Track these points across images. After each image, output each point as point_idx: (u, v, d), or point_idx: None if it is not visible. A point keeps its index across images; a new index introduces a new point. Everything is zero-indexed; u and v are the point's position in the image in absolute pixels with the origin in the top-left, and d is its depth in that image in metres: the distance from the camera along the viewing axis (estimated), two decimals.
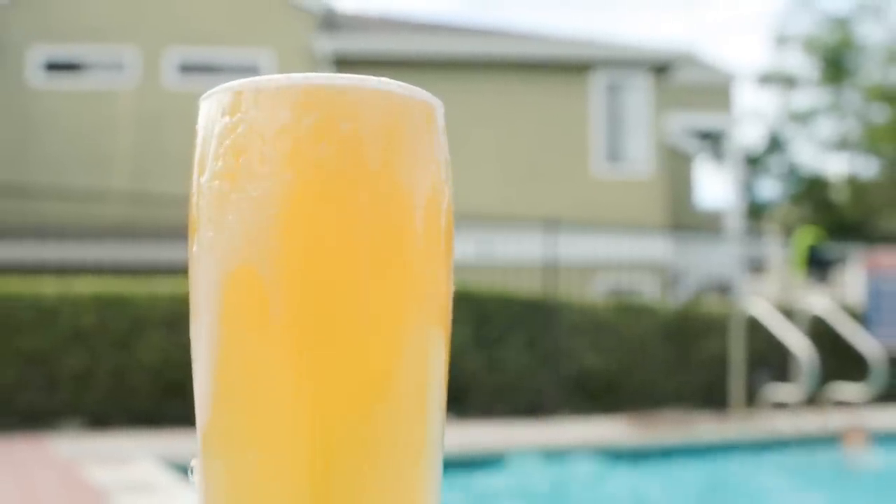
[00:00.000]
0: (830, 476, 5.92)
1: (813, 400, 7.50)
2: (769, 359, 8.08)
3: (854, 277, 9.99)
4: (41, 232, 9.83)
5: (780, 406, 7.46)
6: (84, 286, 6.58)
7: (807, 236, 11.10)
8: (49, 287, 6.51)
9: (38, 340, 6.32)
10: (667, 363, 8.29)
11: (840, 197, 23.22)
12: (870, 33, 22.97)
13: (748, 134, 25.98)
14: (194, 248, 0.52)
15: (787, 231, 15.37)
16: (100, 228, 10.28)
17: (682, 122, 15.83)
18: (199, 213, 0.51)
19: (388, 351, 0.50)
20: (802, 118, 23.87)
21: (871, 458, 5.82)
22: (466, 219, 8.82)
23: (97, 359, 6.40)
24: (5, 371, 6.26)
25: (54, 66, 12.02)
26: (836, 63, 22.73)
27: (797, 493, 5.31)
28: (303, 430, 0.48)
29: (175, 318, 6.49)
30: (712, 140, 17.12)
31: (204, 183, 0.51)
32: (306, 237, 0.48)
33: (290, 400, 0.49)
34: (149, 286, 6.71)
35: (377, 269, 0.49)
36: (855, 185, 22.96)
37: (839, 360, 8.13)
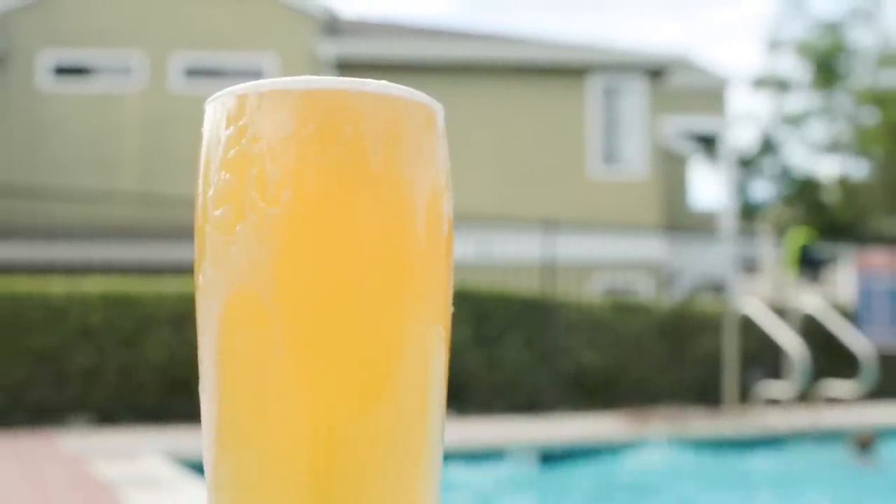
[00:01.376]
0: (825, 471, 6.03)
1: (805, 397, 7.62)
2: (762, 356, 8.21)
3: (845, 277, 10.12)
4: (50, 232, 9.90)
5: (773, 403, 7.58)
6: (92, 285, 6.65)
7: (799, 236, 11.26)
8: (58, 286, 6.58)
9: (47, 338, 6.40)
10: (662, 361, 8.41)
11: (831, 198, 23.39)
12: (861, 38, 23.16)
13: (742, 136, 26.19)
14: (200, 279, 0.52)
15: (780, 231, 15.50)
16: (107, 229, 10.35)
17: (676, 125, 15.97)
18: (205, 243, 0.51)
19: (390, 351, 0.50)
20: (795, 121, 24.05)
21: (872, 455, 5.91)
22: (466, 219, 8.95)
23: (105, 356, 6.47)
24: (15, 368, 6.34)
25: (63, 70, 12.09)
26: (828, 67, 22.91)
27: (791, 489, 5.42)
28: (305, 429, 0.49)
29: (181, 316, 6.58)
30: (706, 142, 17.26)
31: (209, 201, 0.51)
32: (308, 247, 0.48)
33: (292, 401, 0.49)
34: (155, 285, 6.79)
35: (379, 271, 0.50)
36: (846, 186, 23.13)
37: (831, 357, 8.26)
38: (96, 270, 7.62)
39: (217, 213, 0.50)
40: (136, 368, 6.52)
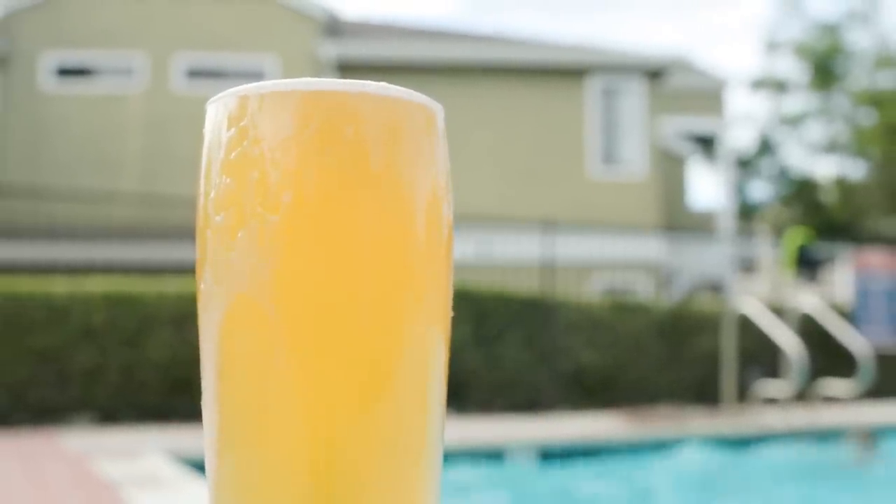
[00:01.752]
0: (824, 470, 6.07)
1: (803, 396, 7.67)
2: (760, 356, 8.25)
3: (842, 276, 10.17)
4: (52, 232, 9.93)
5: (771, 402, 7.63)
6: (94, 285, 6.68)
7: (797, 236, 11.32)
8: (60, 286, 6.61)
9: (50, 338, 6.43)
10: (661, 360, 8.45)
11: (829, 198, 23.46)
12: (858, 39, 23.24)
13: (740, 137, 26.25)
14: (202, 286, 0.52)
15: (778, 231, 15.56)
16: (109, 229, 10.39)
17: (675, 126, 16.02)
18: (206, 247, 0.51)
19: (390, 352, 0.50)
20: (793, 122, 24.12)
21: (871, 453, 5.95)
22: (466, 219, 9.00)
23: (107, 356, 6.50)
24: (18, 368, 6.36)
25: (65, 72, 12.14)
26: (826, 68, 22.98)
27: (789, 487, 5.45)
28: (305, 430, 0.49)
29: (182, 316, 6.62)
30: (705, 143, 17.32)
31: (211, 204, 0.51)
32: (309, 251, 0.49)
33: (293, 402, 0.49)
34: (157, 285, 6.82)
35: (379, 272, 0.50)
36: (843, 186, 23.20)
37: (828, 356, 8.30)
38: (98, 270, 7.65)
39: (218, 218, 0.51)
40: (137, 368, 6.55)
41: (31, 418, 6.31)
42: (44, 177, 11.28)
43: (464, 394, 7.34)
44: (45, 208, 9.84)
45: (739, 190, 23.05)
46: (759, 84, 24.16)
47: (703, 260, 13.29)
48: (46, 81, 12.11)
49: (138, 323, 6.59)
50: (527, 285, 8.47)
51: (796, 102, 23.96)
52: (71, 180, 11.11)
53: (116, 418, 6.45)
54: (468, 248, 10.84)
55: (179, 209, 8.17)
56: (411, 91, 0.52)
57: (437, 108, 0.54)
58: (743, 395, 8.03)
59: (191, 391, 6.29)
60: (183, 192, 8.79)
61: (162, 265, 9.07)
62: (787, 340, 7.51)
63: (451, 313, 0.55)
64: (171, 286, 6.81)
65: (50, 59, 12.13)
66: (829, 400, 7.84)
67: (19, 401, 6.34)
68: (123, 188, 11.35)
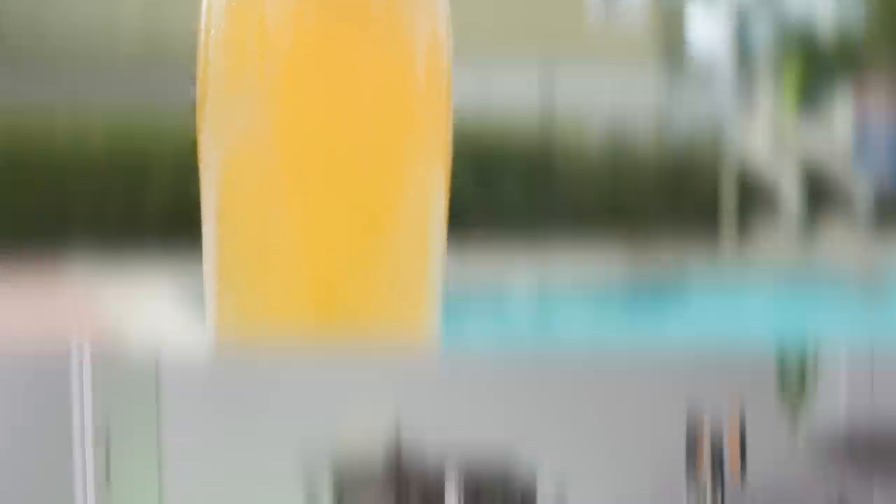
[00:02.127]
0: (829, 304, 6.26)
1: (803, 239, 7.86)
2: (760, 201, 8.37)
3: (843, 115, 10.08)
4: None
5: (771, 247, 7.83)
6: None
7: (797, 74, 11.04)
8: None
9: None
10: (660, 205, 8.60)
11: (829, 42, 22.73)
12: None
13: None
14: (202, 128, 0.52)
15: (778, 74, 15.22)
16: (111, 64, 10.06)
17: None
18: (207, 89, 0.52)
19: (390, 192, 0.52)
20: None
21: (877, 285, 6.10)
22: (463, 54, 8.72)
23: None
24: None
25: None
26: None
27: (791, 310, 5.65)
28: (306, 271, 0.51)
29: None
30: None
31: (211, 45, 0.52)
32: (307, 94, 0.51)
33: (293, 243, 0.51)
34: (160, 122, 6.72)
35: (379, 113, 0.51)
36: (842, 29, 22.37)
37: (828, 200, 8.43)
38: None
39: (217, 59, 0.51)
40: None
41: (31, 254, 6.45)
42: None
43: (462, 232, 7.51)
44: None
45: (740, 34, 22.28)
46: None
47: (703, 104, 13.10)
48: None
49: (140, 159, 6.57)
50: (525, 127, 8.41)
51: None
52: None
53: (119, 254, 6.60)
54: (466, 87, 10.63)
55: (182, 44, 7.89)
56: None
57: None
58: (742, 240, 8.22)
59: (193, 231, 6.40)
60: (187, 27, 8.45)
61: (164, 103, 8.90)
62: (788, 183, 7.58)
63: (450, 158, 0.55)
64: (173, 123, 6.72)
65: None
66: (830, 243, 8.04)
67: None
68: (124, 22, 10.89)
